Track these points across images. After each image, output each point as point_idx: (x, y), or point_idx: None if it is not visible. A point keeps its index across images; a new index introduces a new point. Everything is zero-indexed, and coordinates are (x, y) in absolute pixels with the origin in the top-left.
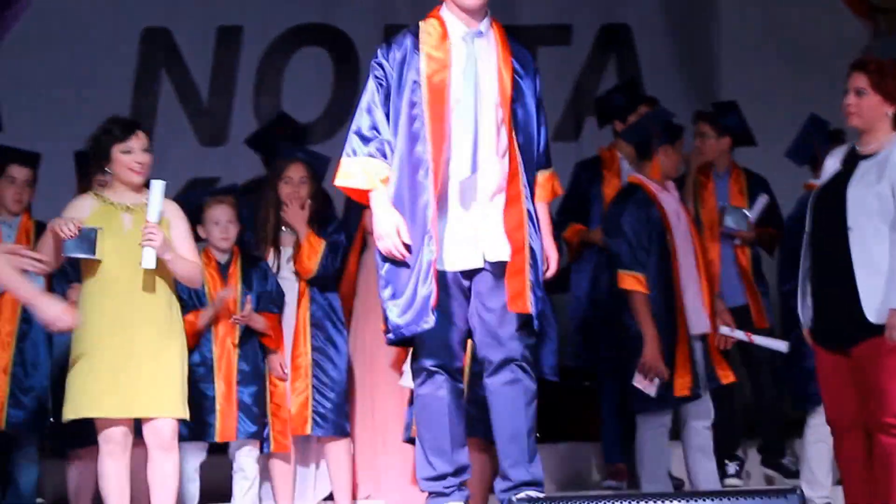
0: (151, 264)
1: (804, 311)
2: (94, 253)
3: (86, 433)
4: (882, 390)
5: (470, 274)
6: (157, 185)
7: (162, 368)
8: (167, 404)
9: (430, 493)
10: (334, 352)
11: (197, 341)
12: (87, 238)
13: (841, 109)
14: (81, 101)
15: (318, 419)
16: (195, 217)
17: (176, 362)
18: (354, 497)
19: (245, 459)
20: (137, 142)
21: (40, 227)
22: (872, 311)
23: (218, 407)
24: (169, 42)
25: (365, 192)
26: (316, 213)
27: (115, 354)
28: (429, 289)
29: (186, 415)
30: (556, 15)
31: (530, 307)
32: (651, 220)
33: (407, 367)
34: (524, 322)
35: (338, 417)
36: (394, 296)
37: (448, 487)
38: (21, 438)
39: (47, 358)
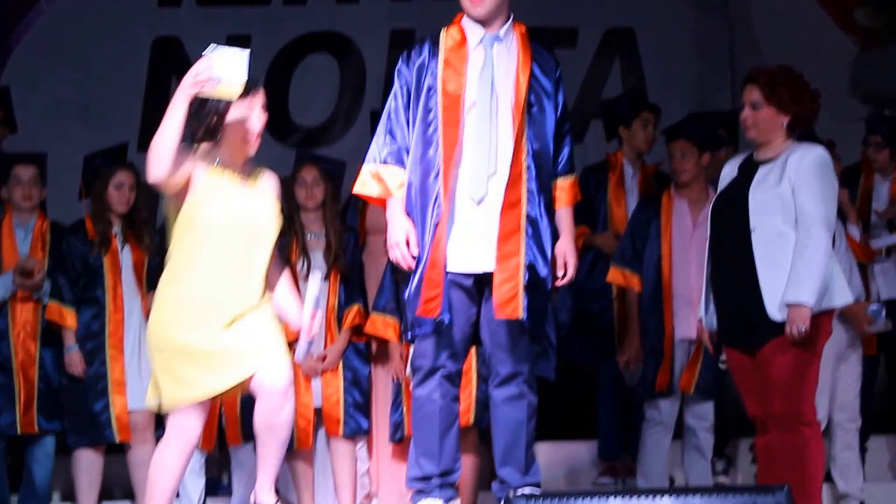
0: (300, 358)
1: (707, 316)
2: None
3: (94, 428)
4: (786, 387)
5: (479, 279)
6: (317, 277)
7: (258, 323)
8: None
9: (414, 491)
10: (359, 352)
11: None
12: None
13: (742, 122)
14: (92, 106)
15: (347, 419)
16: None
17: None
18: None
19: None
20: (258, 100)
21: (55, 228)
22: (775, 309)
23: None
24: (179, 51)
25: (382, 199)
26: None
27: (212, 333)
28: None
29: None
30: (562, 17)
31: (521, 313)
32: (650, 224)
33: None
34: (533, 336)
35: (363, 417)
36: (406, 295)
37: (430, 486)
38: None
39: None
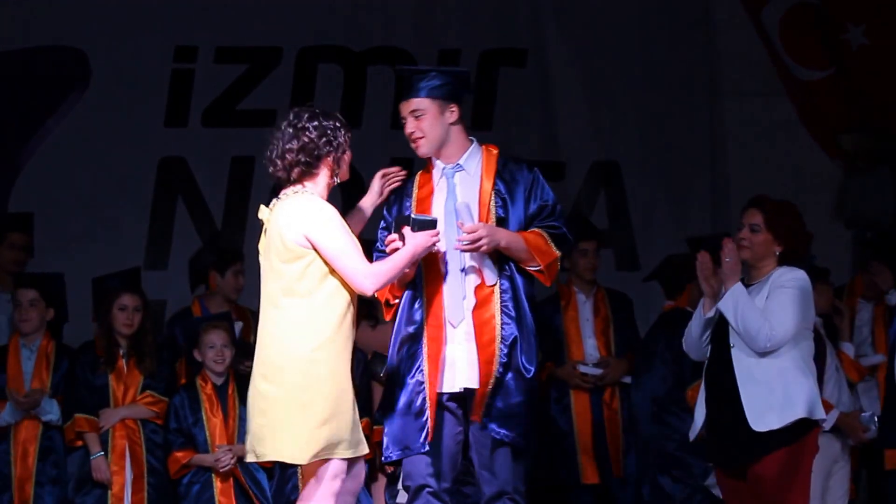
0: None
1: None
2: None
3: None
4: None
5: (464, 399)
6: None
7: None
8: None
9: None
10: None
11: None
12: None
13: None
14: (99, 226)
15: None
16: (193, 342)
17: None
18: None
19: None
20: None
21: (60, 349)
22: (755, 419)
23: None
24: (185, 170)
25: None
26: None
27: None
28: (422, 415)
29: None
30: (550, 152)
31: (480, 417)
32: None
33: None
34: (517, 452)
35: None
36: (389, 418)
37: None
38: None
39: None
